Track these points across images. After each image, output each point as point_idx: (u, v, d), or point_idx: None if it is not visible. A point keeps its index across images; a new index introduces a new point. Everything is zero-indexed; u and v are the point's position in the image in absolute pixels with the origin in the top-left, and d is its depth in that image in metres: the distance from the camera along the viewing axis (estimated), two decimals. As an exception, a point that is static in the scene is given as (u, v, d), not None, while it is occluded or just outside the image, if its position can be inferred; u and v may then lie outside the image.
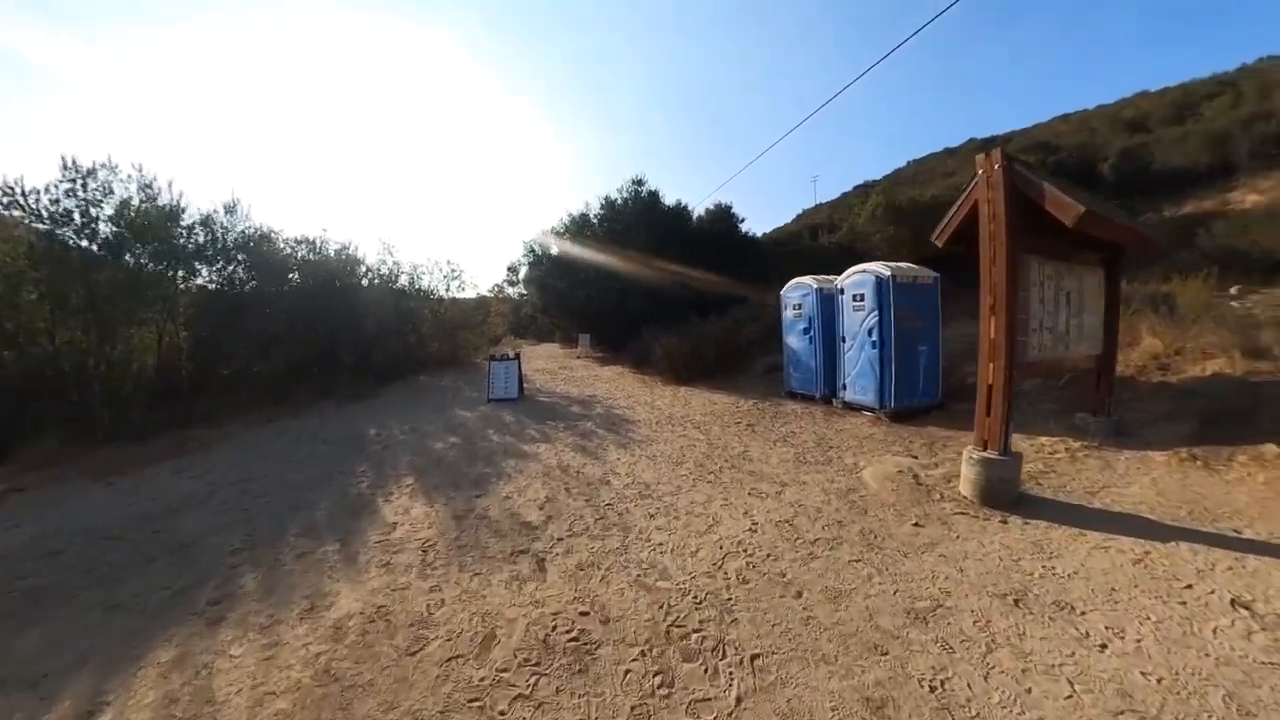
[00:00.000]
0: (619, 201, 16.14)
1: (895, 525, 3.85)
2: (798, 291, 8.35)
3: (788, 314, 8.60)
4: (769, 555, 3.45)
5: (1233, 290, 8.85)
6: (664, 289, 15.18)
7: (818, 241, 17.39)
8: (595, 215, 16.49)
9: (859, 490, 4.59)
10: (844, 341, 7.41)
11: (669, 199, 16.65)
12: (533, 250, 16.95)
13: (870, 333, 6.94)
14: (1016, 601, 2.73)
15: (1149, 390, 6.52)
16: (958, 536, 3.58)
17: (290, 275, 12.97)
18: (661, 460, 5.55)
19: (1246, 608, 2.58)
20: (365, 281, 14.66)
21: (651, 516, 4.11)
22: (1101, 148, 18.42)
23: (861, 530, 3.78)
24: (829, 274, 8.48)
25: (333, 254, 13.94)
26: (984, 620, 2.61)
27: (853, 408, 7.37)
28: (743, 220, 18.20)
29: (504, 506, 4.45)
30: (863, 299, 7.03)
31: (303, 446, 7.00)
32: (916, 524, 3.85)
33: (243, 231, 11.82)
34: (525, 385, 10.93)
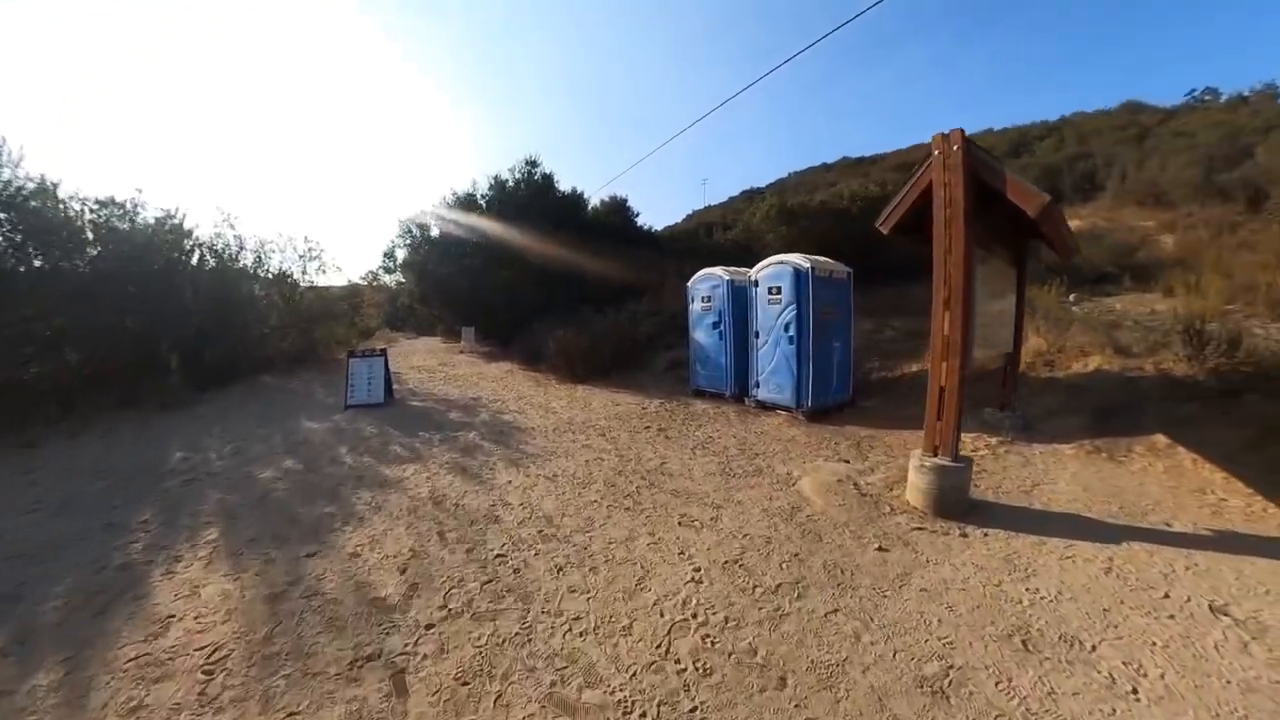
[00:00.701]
0: (510, 182, 14.55)
1: (858, 553, 3.18)
2: (707, 283, 7.61)
3: (695, 307, 7.84)
4: (727, 619, 2.54)
5: (1070, 297, 9.72)
6: (557, 280, 13.93)
7: (713, 238, 17.07)
8: (483, 196, 14.77)
9: (803, 508, 3.86)
10: (757, 337, 6.77)
11: (564, 185, 15.39)
12: (410, 231, 14.76)
13: (787, 328, 6.34)
14: (1025, 644, 2.36)
15: (1039, 385, 6.57)
16: (928, 560, 3.09)
17: (88, 248, 9.95)
18: (565, 481, 4.45)
19: (1226, 613, 2.53)
20: (196, 259, 11.79)
21: (560, 570, 3.01)
22: None
23: (825, 564, 3.05)
24: (731, 267, 7.85)
25: (152, 222, 10.97)
26: (1005, 679, 2.16)
27: (767, 407, 6.76)
28: (638, 214, 17.49)
29: (347, 571, 3.09)
30: (779, 291, 6.41)
31: (65, 483, 4.95)
32: (881, 548, 3.27)
33: (8, 183, 8.74)
34: (396, 386, 9.21)
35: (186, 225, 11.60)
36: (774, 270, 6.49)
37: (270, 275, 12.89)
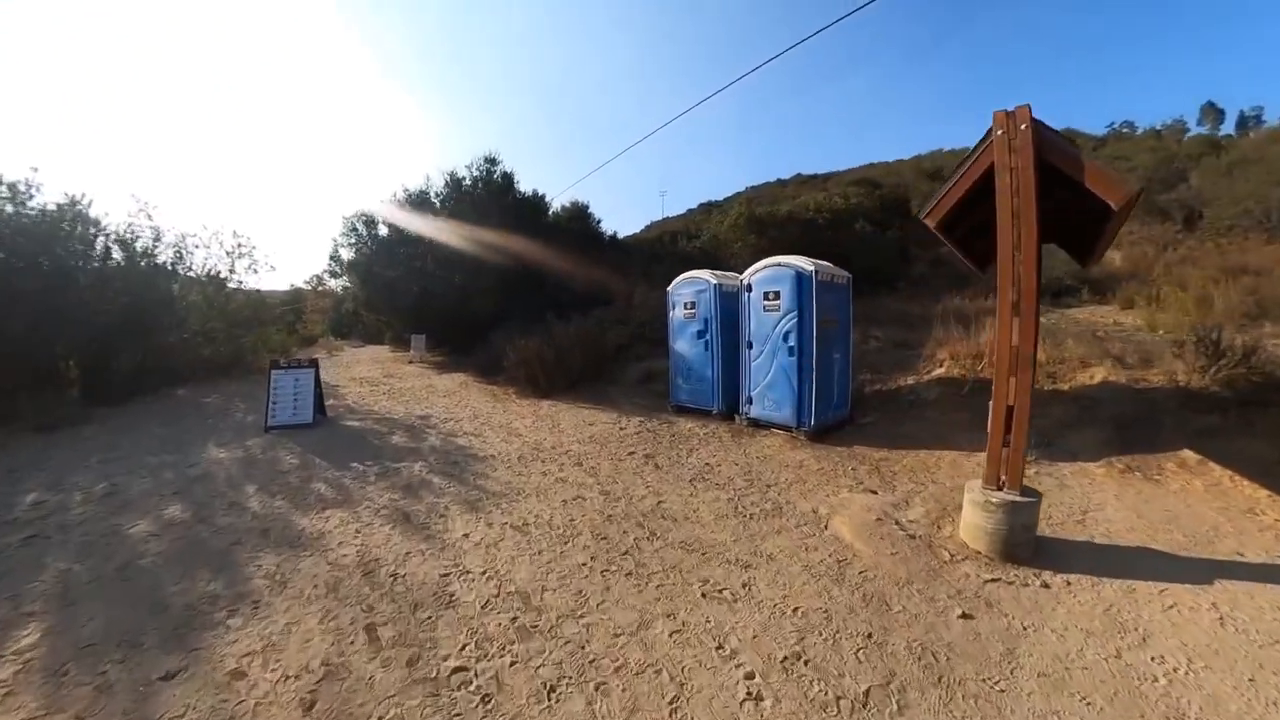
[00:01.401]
0: (467, 180, 13.25)
1: (940, 624, 2.44)
2: (690, 288, 6.74)
3: (676, 314, 6.95)
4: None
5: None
6: (516, 285, 12.79)
7: (679, 246, 16.33)
8: (438, 194, 13.44)
9: (850, 561, 3.04)
10: (750, 347, 5.94)
11: (524, 187, 14.25)
12: (355, 228, 13.19)
13: (786, 337, 5.54)
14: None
15: (1046, 397, 6.03)
16: (1025, 627, 2.44)
17: None
18: (540, 532, 3.42)
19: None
20: (101, 252, 9.98)
21: (552, 693, 2.00)
22: (909, 189, 20.74)
23: (910, 647, 2.28)
24: (718, 270, 7.04)
25: (53, 209, 9.20)
26: None
27: (761, 425, 5.93)
28: (599, 220, 16.55)
29: (221, 712, 1.98)
30: (778, 297, 5.60)
31: None
32: (964, 614, 2.53)
33: None
34: (331, 403, 7.87)
35: (93, 214, 9.80)
36: (771, 273, 5.69)
37: (193, 274, 11.13)
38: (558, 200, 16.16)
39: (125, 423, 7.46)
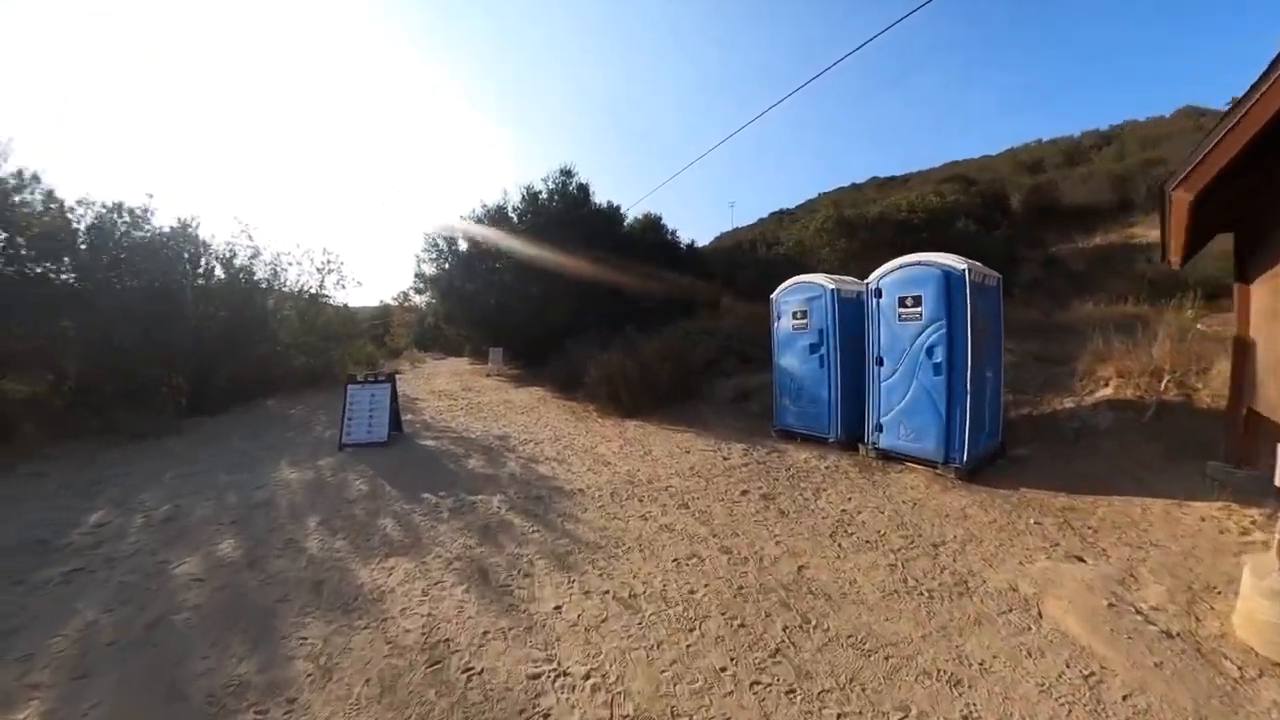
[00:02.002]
0: (544, 194, 12.93)
1: None
2: (801, 294, 5.74)
3: (783, 324, 5.96)
4: None
5: (1189, 313, 7.75)
6: (593, 297, 12.21)
7: (759, 254, 15.26)
8: (514, 208, 13.20)
9: (1099, 676, 2.02)
10: (880, 364, 4.87)
11: (599, 199, 13.77)
12: (436, 244, 13.18)
13: (931, 352, 4.43)
14: None
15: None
16: None
17: (79, 253, 8.53)
18: (653, 611, 2.56)
19: None
20: (210, 273, 10.36)
21: None
22: (1006, 184, 18.65)
23: None
24: (835, 275, 6.00)
25: (165, 232, 9.66)
26: None
27: (895, 458, 4.82)
28: (674, 232, 15.78)
29: None
30: (918, 304, 4.52)
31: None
32: None
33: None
34: (408, 418, 7.47)
35: (202, 235, 10.19)
36: (909, 274, 4.62)
37: (286, 289, 11.37)
38: (632, 212, 15.60)
39: (212, 433, 7.38)
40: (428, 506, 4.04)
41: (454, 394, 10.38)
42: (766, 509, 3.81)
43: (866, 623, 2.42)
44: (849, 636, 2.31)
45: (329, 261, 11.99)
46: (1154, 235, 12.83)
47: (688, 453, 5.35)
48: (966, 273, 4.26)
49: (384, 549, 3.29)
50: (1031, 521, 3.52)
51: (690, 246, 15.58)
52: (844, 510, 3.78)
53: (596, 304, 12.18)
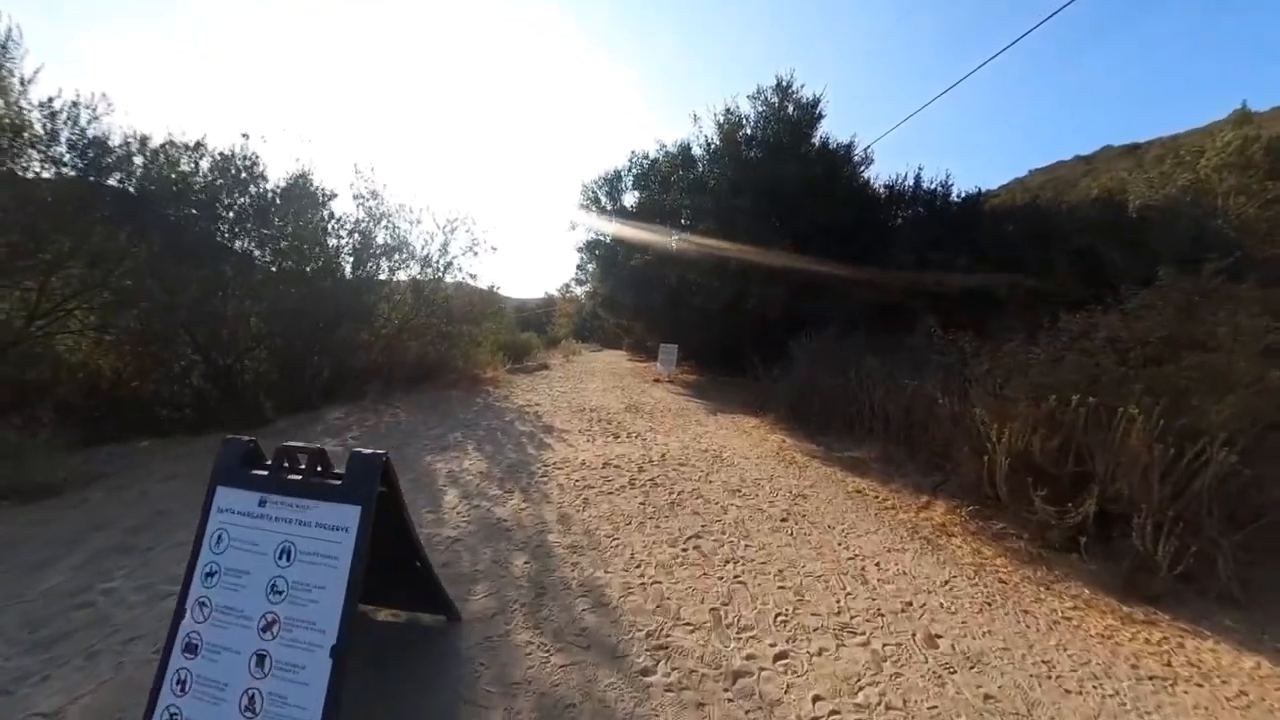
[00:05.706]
0: (748, 119, 8.38)
1: None
2: None
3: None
4: None
5: None
6: (823, 279, 7.45)
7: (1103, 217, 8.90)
8: (699, 153, 8.94)
9: None
10: None
11: (831, 133, 8.77)
12: (596, 199, 9.41)
13: None
14: None
15: None
16: None
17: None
18: None
19: None
20: (335, 246, 7.62)
21: None
22: None
23: None
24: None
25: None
26: None
27: None
28: (951, 183, 9.68)
29: None
30: None
31: None
32: None
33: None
34: (529, 474, 3.55)
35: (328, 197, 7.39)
36: None
37: (398, 258, 8.13)
38: (878, 158, 10.11)
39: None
40: None
41: (611, 418, 6.35)
42: None
43: None
44: None
45: (452, 220, 8.46)
46: None
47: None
48: None
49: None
50: None
51: (973, 205, 9.32)
52: None
53: (832, 291, 7.39)
